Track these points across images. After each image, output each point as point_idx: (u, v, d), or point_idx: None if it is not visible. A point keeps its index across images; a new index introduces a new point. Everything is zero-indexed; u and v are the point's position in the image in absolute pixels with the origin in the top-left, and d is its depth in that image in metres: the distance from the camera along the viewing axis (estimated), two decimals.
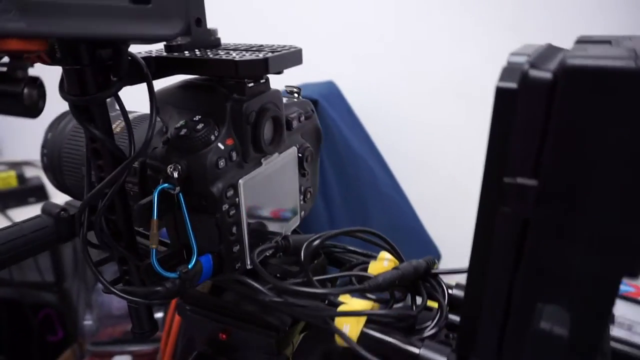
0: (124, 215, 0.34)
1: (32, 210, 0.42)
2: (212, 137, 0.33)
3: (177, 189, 0.32)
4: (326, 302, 0.33)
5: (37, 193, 1.30)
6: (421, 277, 0.37)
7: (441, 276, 0.37)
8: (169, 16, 0.25)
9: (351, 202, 1.12)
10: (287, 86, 0.45)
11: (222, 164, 0.33)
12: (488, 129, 0.23)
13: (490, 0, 1.34)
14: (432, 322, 0.33)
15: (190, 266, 0.33)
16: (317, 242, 0.35)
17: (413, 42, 1.41)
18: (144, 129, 0.40)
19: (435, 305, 0.35)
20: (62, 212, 0.40)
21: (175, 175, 0.32)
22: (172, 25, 0.25)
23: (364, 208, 1.15)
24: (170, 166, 0.32)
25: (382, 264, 0.38)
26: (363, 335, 0.31)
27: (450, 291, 0.36)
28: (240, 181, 0.34)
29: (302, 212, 0.44)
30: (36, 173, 1.38)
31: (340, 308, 0.31)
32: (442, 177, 1.50)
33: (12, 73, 0.23)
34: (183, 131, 0.33)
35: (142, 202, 0.31)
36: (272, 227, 0.40)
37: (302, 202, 0.44)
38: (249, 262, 0.36)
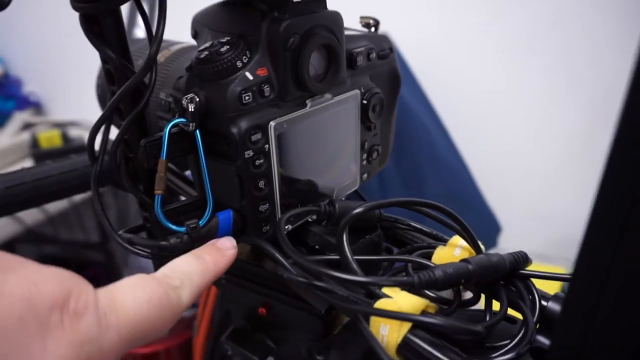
0: None
1: None
2: (239, 64, 0.26)
3: (192, 125, 0.26)
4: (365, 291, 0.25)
5: (79, 151, 1.28)
6: (505, 277, 0.27)
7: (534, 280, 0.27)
8: None
9: (404, 164, 0.99)
10: (361, 17, 0.36)
11: (247, 98, 0.26)
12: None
13: None
14: (511, 342, 0.24)
15: (201, 222, 0.27)
16: (360, 210, 0.27)
17: None
18: (185, 61, 0.35)
19: (520, 316, 0.25)
20: None
21: (191, 108, 0.26)
22: None
23: (418, 171, 1.02)
24: (186, 97, 0.26)
25: (453, 251, 0.28)
26: (405, 344, 0.23)
27: (543, 302, 0.26)
28: (271, 123, 0.27)
29: (365, 175, 0.36)
30: (80, 133, 1.36)
31: (380, 303, 0.23)
32: (504, 145, 1.27)
33: None
34: (204, 54, 0.26)
35: (150, 139, 0.26)
36: (322, 189, 0.32)
37: (364, 162, 0.35)
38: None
